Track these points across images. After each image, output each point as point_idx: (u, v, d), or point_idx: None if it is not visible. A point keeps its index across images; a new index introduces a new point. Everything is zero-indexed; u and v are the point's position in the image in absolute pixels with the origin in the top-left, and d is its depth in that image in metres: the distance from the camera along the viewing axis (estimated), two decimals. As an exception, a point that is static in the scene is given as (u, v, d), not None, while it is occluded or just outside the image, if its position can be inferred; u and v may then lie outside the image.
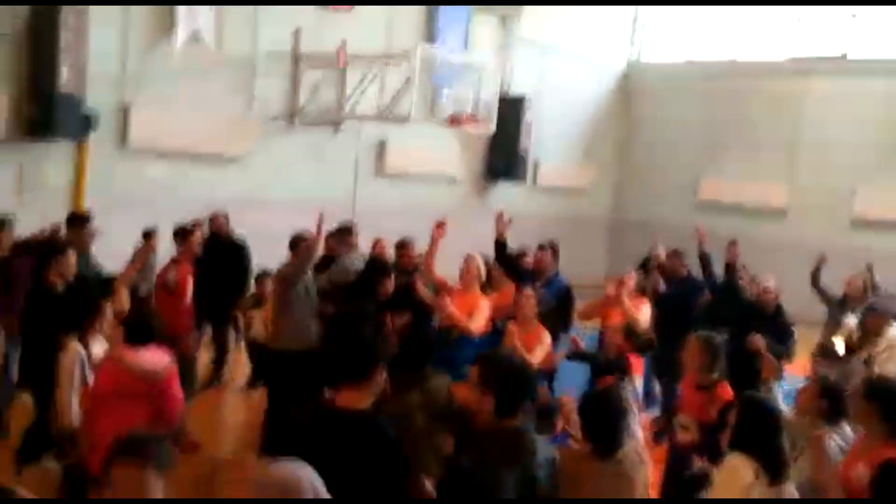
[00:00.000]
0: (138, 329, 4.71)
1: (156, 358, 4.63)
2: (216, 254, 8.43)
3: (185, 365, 7.52)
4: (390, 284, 6.53)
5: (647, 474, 3.62)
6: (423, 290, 6.57)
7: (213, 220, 9.20)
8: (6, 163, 10.76)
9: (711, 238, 8.67)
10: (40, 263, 5.86)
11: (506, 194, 16.89)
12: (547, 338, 6.31)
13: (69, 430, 4.75)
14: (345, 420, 3.23)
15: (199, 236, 7.37)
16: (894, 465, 3.56)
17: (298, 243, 7.00)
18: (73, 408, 4.77)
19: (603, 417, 3.55)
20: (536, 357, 5.99)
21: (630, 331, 5.48)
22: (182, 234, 7.33)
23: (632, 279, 7.02)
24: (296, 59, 13.66)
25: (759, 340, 6.37)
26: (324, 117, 14.01)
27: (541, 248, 8.20)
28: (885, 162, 15.71)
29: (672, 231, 15.88)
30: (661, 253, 9.07)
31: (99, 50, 11.04)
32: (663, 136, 18.63)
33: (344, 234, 8.34)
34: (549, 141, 17.43)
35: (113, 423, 3.95)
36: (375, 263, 7.01)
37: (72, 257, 5.98)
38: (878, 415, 3.98)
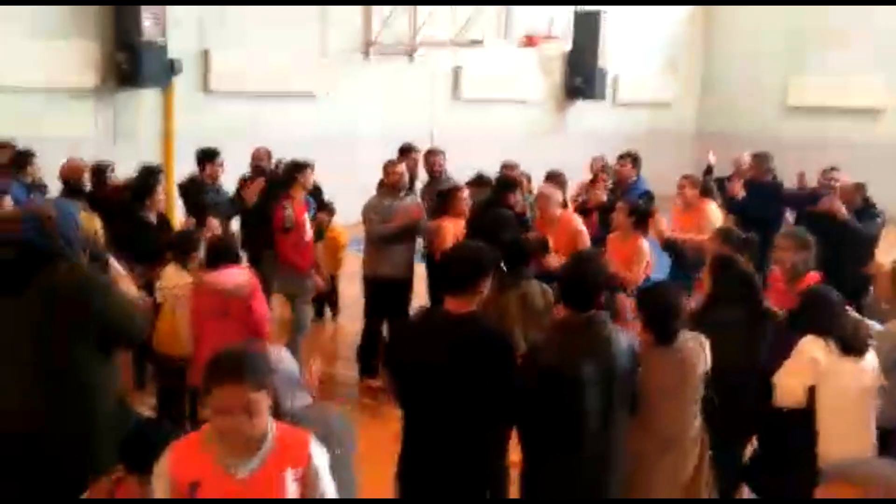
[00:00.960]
0: (218, 252, 5.03)
1: (236, 276, 4.92)
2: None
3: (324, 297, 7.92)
4: (515, 199, 6.60)
5: (707, 361, 3.76)
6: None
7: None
8: (101, 111, 11.32)
9: (803, 143, 8.47)
10: (135, 196, 6.21)
11: (585, 113, 16.70)
12: (643, 251, 6.30)
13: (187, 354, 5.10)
14: (451, 321, 3.48)
15: (309, 173, 7.33)
16: None
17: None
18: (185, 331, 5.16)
19: (658, 309, 3.65)
20: (635, 274, 6.05)
21: (726, 233, 5.44)
22: (296, 170, 7.33)
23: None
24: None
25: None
26: (398, 47, 14.08)
27: (620, 158, 8.22)
28: None
29: (760, 139, 15.50)
30: (745, 158, 8.96)
31: (177, -3, 11.37)
32: (747, 42, 17.93)
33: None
34: (628, 55, 17.03)
35: (209, 342, 4.28)
36: (502, 181, 7.11)
37: (161, 192, 6.34)
38: None
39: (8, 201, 6.05)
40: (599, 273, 3.62)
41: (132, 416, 3.39)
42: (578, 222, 6.51)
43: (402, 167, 7.09)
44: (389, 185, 6.92)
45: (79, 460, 3.02)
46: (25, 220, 3.22)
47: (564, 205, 6.93)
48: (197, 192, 7.31)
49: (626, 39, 16.68)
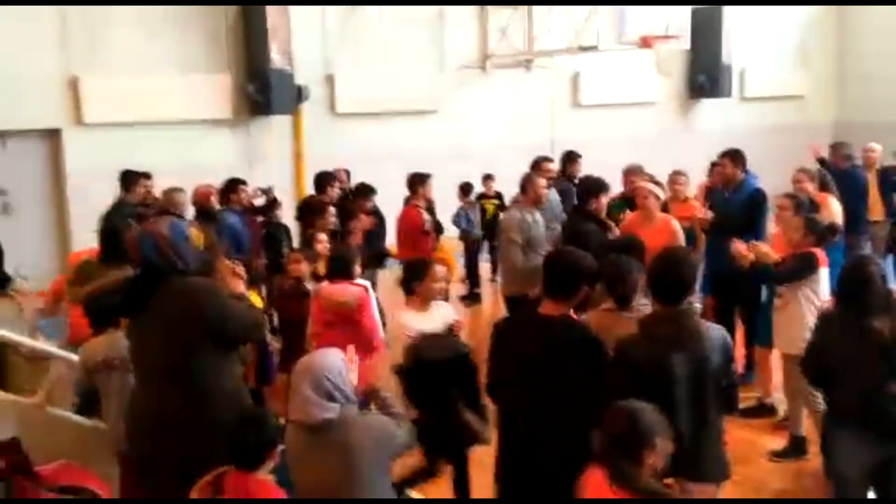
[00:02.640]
0: (333, 266, 5.35)
1: (348, 291, 5.18)
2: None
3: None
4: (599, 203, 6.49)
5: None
6: None
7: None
8: (236, 139, 12.03)
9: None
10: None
11: (711, 111, 16.24)
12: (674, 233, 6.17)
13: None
14: (545, 321, 3.58)
15: (430, 183, 7.85)
16: None
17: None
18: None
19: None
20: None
21: (811, 222, 5.25)
22: (418, 181, 7.90)
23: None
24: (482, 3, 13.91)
25: None
26: (515, 58, 14.19)
27: (721, 157, 8.00)
28: None
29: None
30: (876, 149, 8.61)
31: (301, 26, 11.93)
32: (889, 30, 16.92)
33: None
34: (754, 49, 16.45)
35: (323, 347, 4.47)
36: (587, 184, 7.01)
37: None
38: None
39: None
40: (689, 267, 3.63)
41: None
42: (677, 224, 6.28)
43: (544, 182, 6.87)
44: (532, 201, 6.68)
45: (201, 456, 3.26)
46: (143, 241, 3.51)
47: (664, 207, 6.71)
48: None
49: (751, 33, 16.13)
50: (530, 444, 3.62)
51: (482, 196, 10.67)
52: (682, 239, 6.16)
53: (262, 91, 11.69)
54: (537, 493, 3.65)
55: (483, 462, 4.04)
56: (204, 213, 7.50)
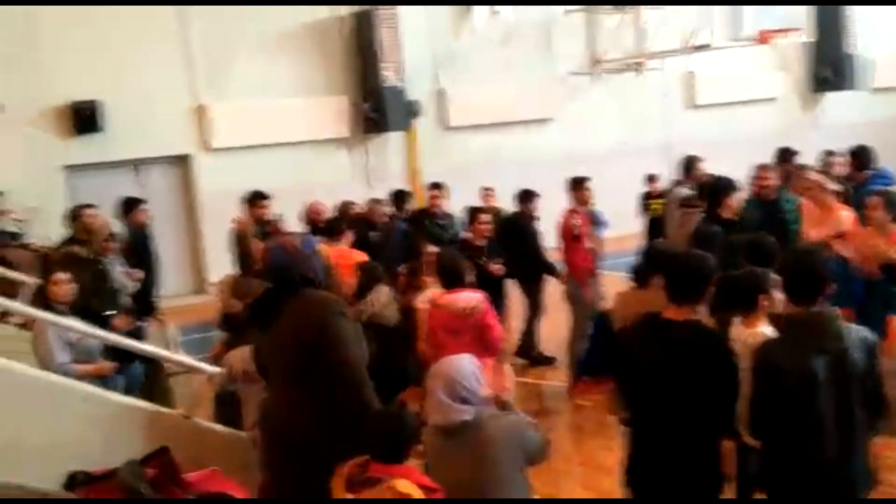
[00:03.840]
0: (449, 275, 5.39)
1: (468, 297, 5.26)
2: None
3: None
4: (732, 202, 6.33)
5: None
6: None
7: None
8: (353, 157, 12.38)
9: None
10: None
11: (837, 104, 15.51)
12: (842, 218, 5.94)
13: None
14: (671, 326, 3.53)
15: (589, 186, 7.82)
16: None
17: None
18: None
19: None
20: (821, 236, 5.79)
21: None
22: (575, 185, 7.77)
23: None
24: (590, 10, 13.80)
25: None
26: (625, 62, 14.00)
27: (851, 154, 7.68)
28: None
29: None
30: None
31: (411, 44, 12.16)
32: None
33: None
34: (883, 37, 15.60)
35: (448, 355, 4.54)
36: (708, 185, 6.86)
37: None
38: None
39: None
40: (823, 265, 3.47)
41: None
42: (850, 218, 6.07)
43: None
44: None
45: (330, 459, 3.33)
46: (275, 253, 3.65)
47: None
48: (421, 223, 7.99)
49: (879, 21, 15.32)
50: (659, 452, 3.56)
51: (647, 195, 10.41)
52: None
53: (377, 109, 11.99)
54: (664, 499, 3.59)
55: (605, 464, 3.99)
56: (317, 230, 7.79)
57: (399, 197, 8.74)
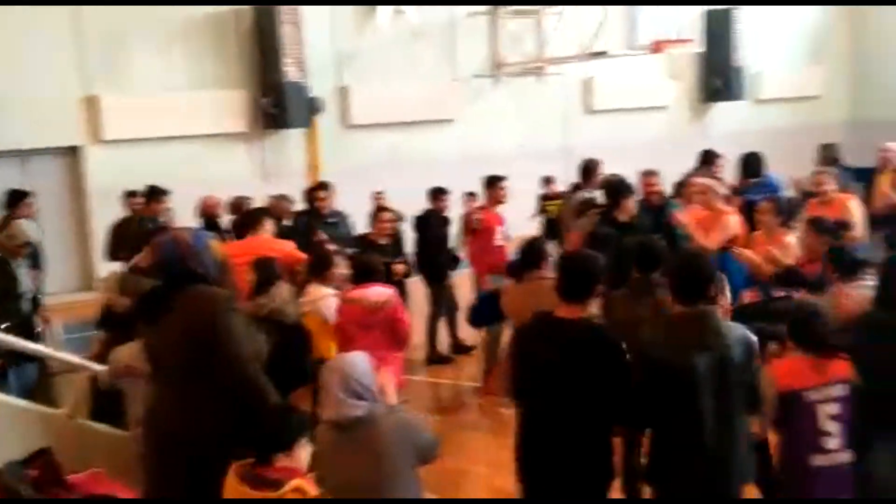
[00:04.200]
0: (362, 271, 5.46)
1: (380, 292, 5.32)
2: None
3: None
4: (628, 205, 6.56)
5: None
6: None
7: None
8: (251, 153, 12.16)
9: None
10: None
11: (725, 114, 16.23)
12: (730, 222, 6.30)
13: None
14: (563, 324, 3.63)
15: (504, 186, 7.87)
16: None
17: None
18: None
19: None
20: (711, 240, 6.11)
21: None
22: (490, 183, 7.86)
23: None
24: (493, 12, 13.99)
25: None
26: (526, 66, 14.26)
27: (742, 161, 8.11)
28: None
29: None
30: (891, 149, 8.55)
31: (313, 40, 12.04)
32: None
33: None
34: (768, 51, 16.43)
35: (359, 349, 4.55)
36: (612, 185, 7.05)
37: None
38: None
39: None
40: (708, 267, 3.64)
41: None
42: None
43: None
44: None
45: (218, 455, 3.31)
46: (167, 247, 3.58)
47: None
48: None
49: (764, 35, 16.12)
50: (551, 447, 3.65)
51: (545, 197, 10.64)
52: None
53: (277, 104, 11.81)
54: (560, 495, 3.68)
55: (505, 464, 4.06)
56: (210, 224, 7.65)
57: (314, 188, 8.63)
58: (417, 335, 7.73)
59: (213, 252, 3.71)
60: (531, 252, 5.41)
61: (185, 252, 3.56)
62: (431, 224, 8.30)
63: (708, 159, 8.62)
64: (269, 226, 6.41)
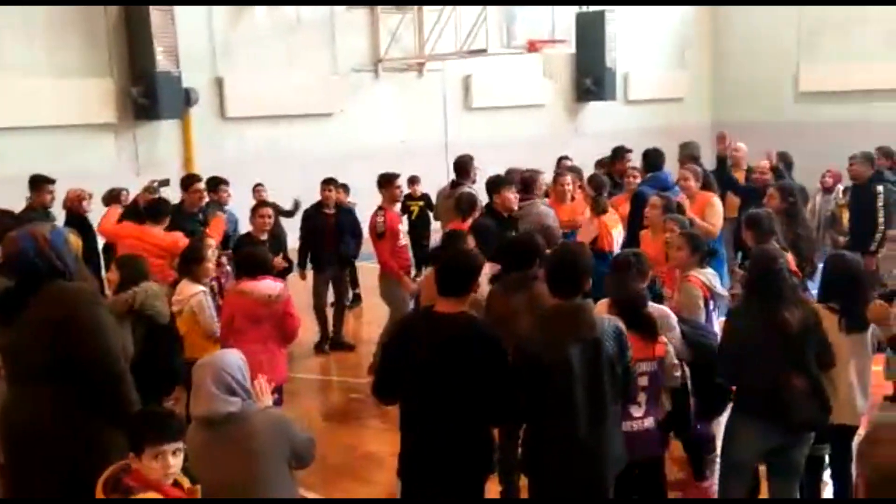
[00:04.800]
0: (253, 264, 5.37)
1: (272, 285, 5.28)
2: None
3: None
4: (504, 198, 6.65)
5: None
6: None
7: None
8: (120, 145, 11.64)
9: (817, 128, 8.43)
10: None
11: (597, 113, 16.78)
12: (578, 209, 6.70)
13: None
14: (442, 320, 3.67)
15: (400, 184, 7.69)
16: None
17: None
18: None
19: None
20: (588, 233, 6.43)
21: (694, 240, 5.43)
22: (386, 182, 7.62)
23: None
24: (372, 8, 13.94)
25: None
26: (406, 62, 14.29)
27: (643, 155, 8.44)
28: None
29: (775, 127, 15.51)
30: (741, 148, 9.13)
31: (187, 29, 11.65)
32: (757, 32, 17.92)
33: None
34: (637, 53, 17.10)
35: (244, 345, 4.48)
36: (490, 180, 7.15)
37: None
38: None
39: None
40: (584, 262, 3.76)
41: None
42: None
43: None
44: None
45: (83, 457, 3.24)
46: (24, 242, 3.42)
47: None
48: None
49: (633, 37, 16.76)
50: (431, 441, 3.68)
51: (408, 197, 10.63)
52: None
53: (148, 95, 11.36)
54: (439, 490, 3.72)
55: (385, 461, 4.08)
56: (75, 218, 7.31)
57: (210, 184, 8.33)
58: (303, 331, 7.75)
59: (72, 247, 3.58)
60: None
61: (43, 247, 3.41)
62: (319, 216, 8.28)
63: (617, 155, 8.86)
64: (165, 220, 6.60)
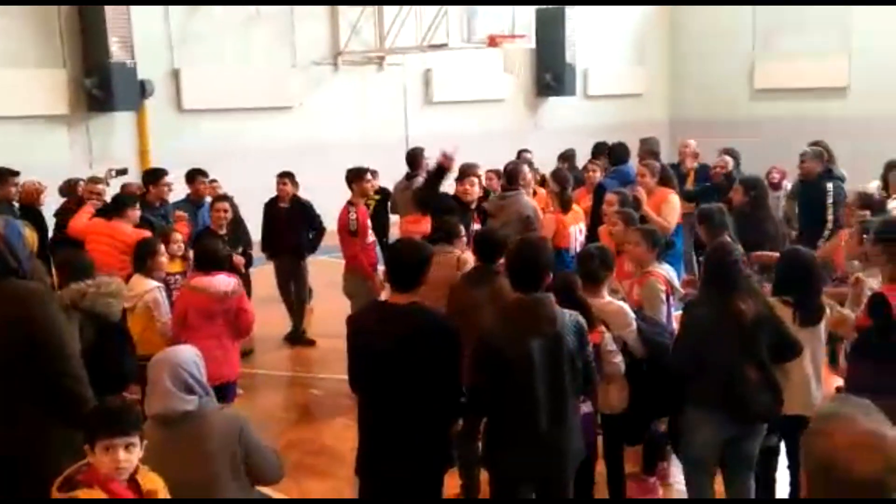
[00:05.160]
0: (207, 259, 5.30)
1: (226, 281, 5.22)
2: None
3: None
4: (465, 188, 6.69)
5: None
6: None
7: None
8: (73, 137, 11.41)
9: (772, 125, 8.59)
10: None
11: (557, 108, 16.86)
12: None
13: None
14: (396, 311, 3.66)
15: (370, 178, 7.57)
16: (881, 295, 4.02)
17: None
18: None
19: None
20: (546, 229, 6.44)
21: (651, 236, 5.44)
22: (356, 176, 7.45)
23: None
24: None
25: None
26: (366, 56, 14.22)
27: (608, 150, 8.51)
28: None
29: (732, 123, 15.76)
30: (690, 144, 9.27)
31: (142, 19, 11.45)
32: (714, 29, 18.15)
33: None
34: (596, 49, 17.21)
35: (198, 341, 4.42)
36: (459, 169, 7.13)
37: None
38: (885, 255, 4.14)
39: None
40: (545, 256, 3.77)
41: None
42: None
43: None
44: None
45: (37, 461, 3.16)
46: None
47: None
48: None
49: (593, 34, 16.87)
50: (389, 434, 3.66)
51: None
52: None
53: (102, 86, 11.14)
54: (397, 486, 3.70)
55: (345, 457, 4.06)
56: (30, 212, 7.16)
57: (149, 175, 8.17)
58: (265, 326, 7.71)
59: (28, 242, 3.48)
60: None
61: None
62: (275, 209, 8.21)
63: (599, 150, 8.98)
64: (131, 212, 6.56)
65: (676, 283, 5.25)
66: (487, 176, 8.29)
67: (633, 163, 8.35)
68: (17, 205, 7.59)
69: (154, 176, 7.80)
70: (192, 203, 7.84)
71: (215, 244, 5.79)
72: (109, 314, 4.93)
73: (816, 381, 4.33)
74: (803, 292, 4.28)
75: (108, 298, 4.91)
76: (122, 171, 8.43)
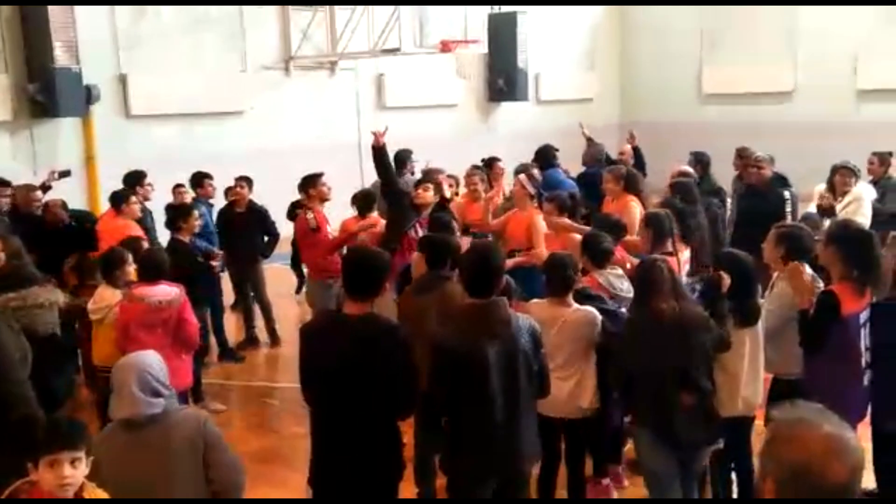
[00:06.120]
0: (149, 267, 5.20)
1: (166, 290, 5.12)
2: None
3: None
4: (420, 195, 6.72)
5: None
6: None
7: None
8: (16, 143, 11.11)
9: (721, 128, 8.69)
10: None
11: (509, 113, 16.93)
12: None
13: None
14: (349, 322, 3.64)
15: (325, 182, 7.50)
16: (829, 293, 4.16)
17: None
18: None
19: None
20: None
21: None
22: (311, 182, 7.47)
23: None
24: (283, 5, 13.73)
25: None
26: (318, 60, 14.12)
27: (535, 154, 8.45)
28: (886, 31, 15.49)
29: (681, 127, 16.00)
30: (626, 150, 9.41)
31: (87, 23, 11.21)
32: (662, 36, 18.43)
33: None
34: (548, 54, 17.34)
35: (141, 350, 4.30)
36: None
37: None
38: (837, 256, 4.23)
39: None
40: (497, 261, 3.78)
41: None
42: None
43: None
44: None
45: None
46: None
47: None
48: None
49: (544, 39, 16.98)
50: (341, 444, 3.63)
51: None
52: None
53: (46, 92, 10.88)
54: (351, 494, 3.67)
55: (300, 467, 4.01)
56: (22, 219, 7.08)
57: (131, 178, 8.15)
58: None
59: None
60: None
61: None
62: (230, 214, 8.18)
63: (489, 164, 9.09)
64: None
65: (619, 288, 5.12)
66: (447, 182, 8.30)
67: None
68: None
69: (136, 178, 7.92)
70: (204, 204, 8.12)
71: (160, 251, 5.68)
72: (37, 327, 4.72)
73: (755, 382, 4.39)
74: (740, 295, 4.31)
75: (35, 310, 4.72)
76: (66, 174, 8.28)
